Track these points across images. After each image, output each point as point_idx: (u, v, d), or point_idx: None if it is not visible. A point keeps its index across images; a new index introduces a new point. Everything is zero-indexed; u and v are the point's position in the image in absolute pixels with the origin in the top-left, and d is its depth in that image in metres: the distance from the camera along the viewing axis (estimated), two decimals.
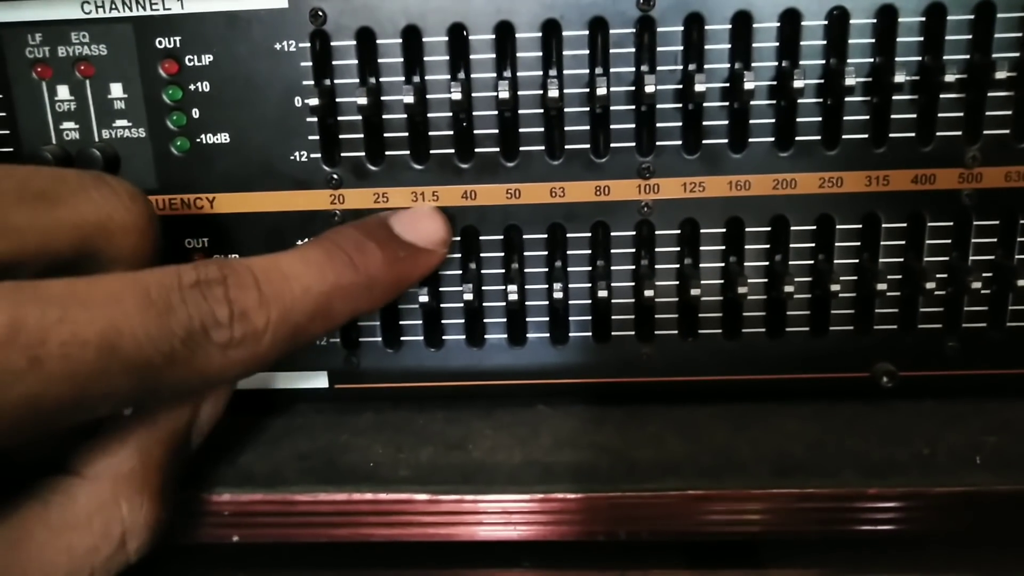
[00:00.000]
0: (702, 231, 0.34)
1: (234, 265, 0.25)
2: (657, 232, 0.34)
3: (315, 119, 0.33)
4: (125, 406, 0.25)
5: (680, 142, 0.33)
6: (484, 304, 0.35)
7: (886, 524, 0.31)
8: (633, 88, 0.32)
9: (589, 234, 0.34)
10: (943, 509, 0.30)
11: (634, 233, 0.34)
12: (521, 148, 0.33)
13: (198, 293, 0.23)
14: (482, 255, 0.34)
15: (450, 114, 0.32)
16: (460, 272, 0.34)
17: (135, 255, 0.26)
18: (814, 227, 0.33)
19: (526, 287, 0.34)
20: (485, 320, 0.35)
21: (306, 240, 0.34)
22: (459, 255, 0.34)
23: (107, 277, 0.23)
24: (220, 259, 0.25)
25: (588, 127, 0.33)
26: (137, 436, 0.26)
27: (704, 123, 0.32)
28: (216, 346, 0.23)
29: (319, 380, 0.36)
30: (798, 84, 0.31)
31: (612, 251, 0.34)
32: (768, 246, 0.34)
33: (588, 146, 0.33)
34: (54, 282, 0.21)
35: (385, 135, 0.33)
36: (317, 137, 0.33)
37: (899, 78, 0.31)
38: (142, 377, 0.22)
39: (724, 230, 0.34)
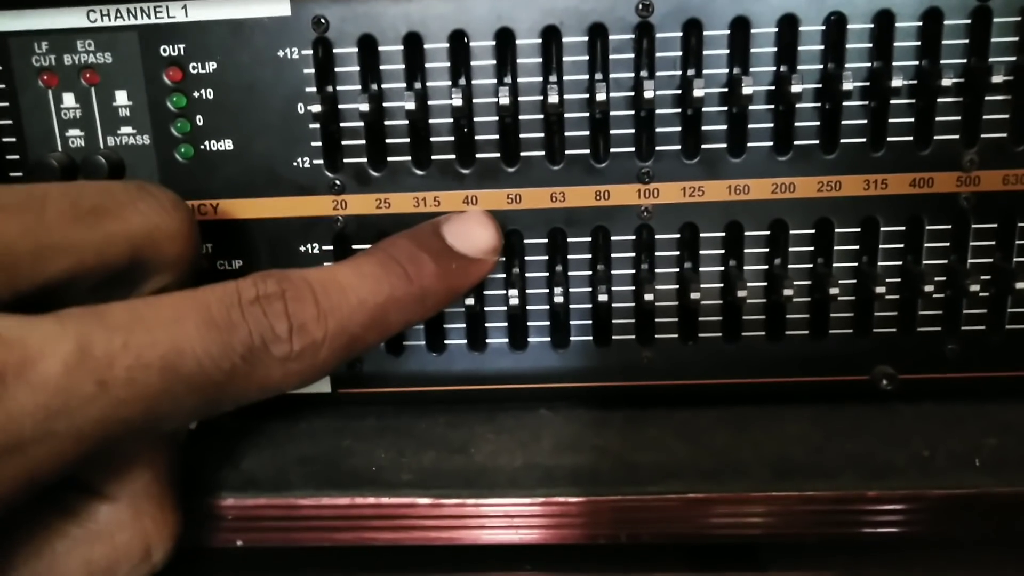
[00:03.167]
0: (701, 235, 0.34)
1: (292, 278, 0.25)
2: (657, 236, 0.34)
3: (318, 125, 0.33)
4: (190, 421, 0.26)
5: (679, 147, 0.33)
6: (485, 308, 0.35)
7: (886, 526, 0.31)
8: (632, 93, 0.32)
9: (589, 238, 0.34)
10: (943, 511, 0.31)
11: (634, 237, 0.34)
12: (522, 153, 0.33)
13: (258, 309, 0.24)
14: None
15: (451, 120, 0.33)
16: None
17: (180, 260, 0.27)
18: (813, 231, 0.34)
19: (527, 291, 0.35)
20: (486, 324, 0.35)
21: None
22: None
23: (168, 297, 0.23)
24: (278, 272, 0.26)
25: (588, 132, 0.33)
26: (145, 451, 0.27)
27: (703, 128, 0.33)
28: (276, 360, 0.24)
29: (322, 385, 0.36)
30: (796, 89, 0.31)
31: (612, 255, 0.34)
32: (767, 250, 0.34)
33: (588, 151, 0.33)
34: (117, 306, 0.22)
35: (387, 141, 0.33)
36: (320, 143, 0.33)
37: (896, 82, 0.31)
38: (205, 393, 0.23)
39: (723, 234, 0.34)
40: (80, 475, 0.26)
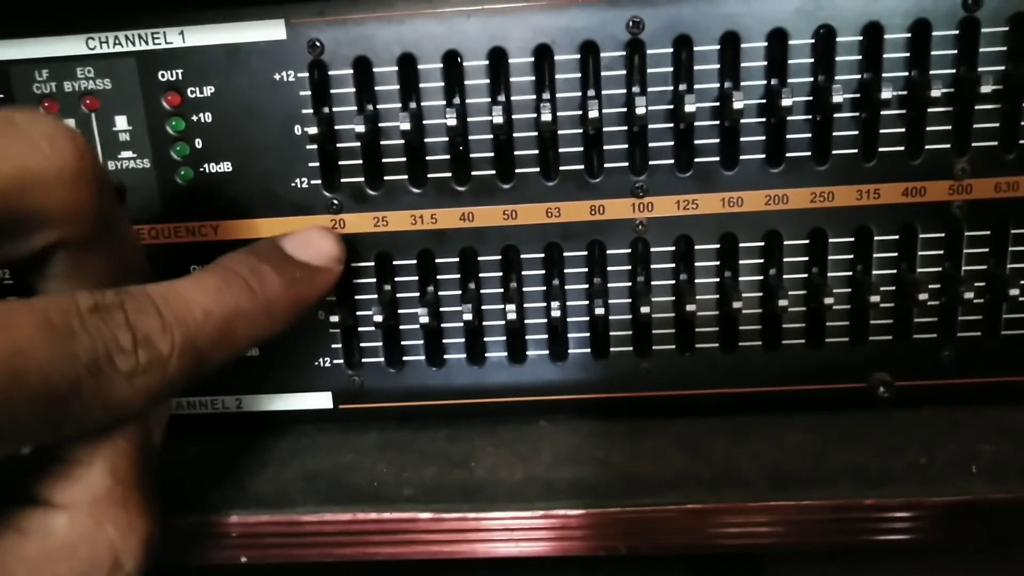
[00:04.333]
0: (696, 247, 0.34)
1: (131, 290, 0.24)
2: (652, 249, 0.34)
3: (315, 146, 0.33)
4: (27, 442, 0.22)
5: (672, 161, 0.33)
6: (484, 323, 0.35)
7: (884, 534, 0.31)
8: (625, 109, 0.33)
9: (585, 252, 0.34)
10: (940, 518, 0.31)
11: (629, 251, 0.34)
12: (517, 170, 0.33)
13: (98, 318, 0.22)
14: (481, 275, 0.35)
15: (446, 139, 0.33)
16: (460, 292, 0.35)
17: (69, 208, 0.22)
18: (807, 241, 0.34)
19: (525, 305, 0.35)
20: (485, 339, 0.36)
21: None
22: (458, 275, 0.35)
23: (3, 302, 0.21)
24: (118, 287, 0.24)
25: (582, 148, 0.33)
26: (102, 456, 0.25)
27: (695, 142, 0.33)
28: (122, 374, 0.22)
29: (323, 401, 0.37)
30: (787, 102, 0.31)
31: (608, 269, 0.34)
32: (762, 261, 0.34)
33: (582, 167, 0.33)
34: None
35: (383, 160, 0.34)
36: (317, 164, 0.34)
37: (886, 94, 0.31)
38: (47, 407, 0.21)
39: (718, 246, 0.34)
40: (28, 488, 0.24)
